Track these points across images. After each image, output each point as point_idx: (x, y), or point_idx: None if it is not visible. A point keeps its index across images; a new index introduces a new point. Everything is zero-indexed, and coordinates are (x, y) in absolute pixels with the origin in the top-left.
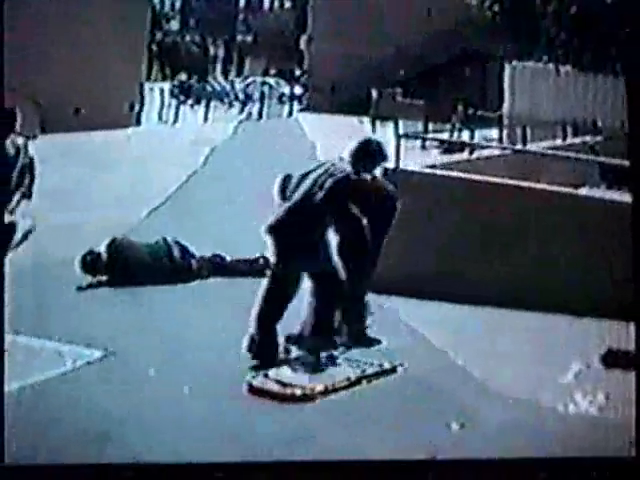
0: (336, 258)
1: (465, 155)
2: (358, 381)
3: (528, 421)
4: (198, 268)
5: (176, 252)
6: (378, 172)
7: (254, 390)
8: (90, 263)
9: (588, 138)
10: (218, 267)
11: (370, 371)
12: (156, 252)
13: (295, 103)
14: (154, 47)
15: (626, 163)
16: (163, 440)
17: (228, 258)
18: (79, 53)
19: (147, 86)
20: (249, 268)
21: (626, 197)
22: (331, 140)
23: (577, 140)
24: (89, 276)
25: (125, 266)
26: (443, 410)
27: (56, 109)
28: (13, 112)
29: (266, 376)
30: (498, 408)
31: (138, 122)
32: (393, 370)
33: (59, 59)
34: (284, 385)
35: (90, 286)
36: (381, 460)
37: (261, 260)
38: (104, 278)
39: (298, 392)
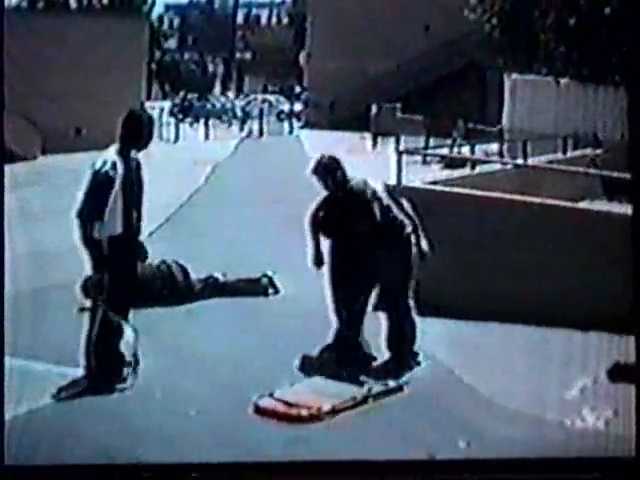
0: None
1: (467, 170)
2: (364, 400)
3: (535, 437)
4: (200, 289)
5: (177, 273)
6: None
7: (260, 411)
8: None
9: (589, 151)
10: (219, 287)
11: (376, 390)
12: (157, 274)
13: (295, 120)
14: (153, 66)
15: (627, 176)
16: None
17: (221, 279)
18: (78, 74)
19: (147, 105)
20: (252, 288)
21: (627, 209)
22: None
23: (578, 153)
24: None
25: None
26: (450, 427)
27: (57, 130)
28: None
29: (271, 396)
30: (505, 424)
31: None
32: (399, 389)
33: (58, 80)
34: (290, 405)
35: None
36: (381, 460)
37: (264, 279)
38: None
39: (304, 412)
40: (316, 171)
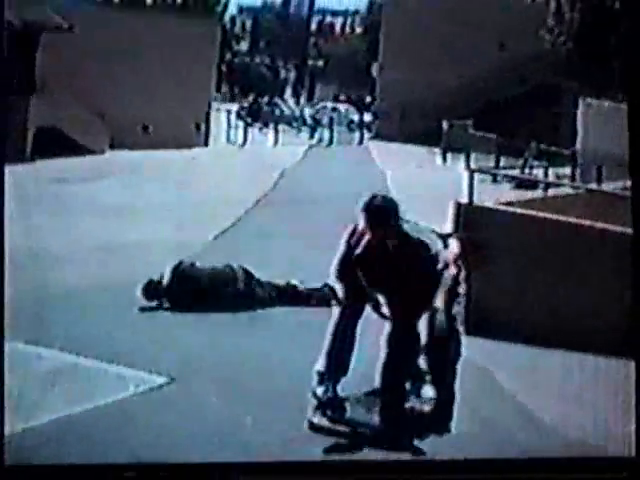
0: None
1: (540, 192)
2: None
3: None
4: (263, 296)
5: (241, 279)
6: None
7: (315, 427)
8: (152, 292)
9: None
10: (284, 295)
11: None
12: (221, 278)
13: (365, 130)
14: (223, 68)
15: None
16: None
17: (299, 287)
18: (149, 72)
19: (215, 106)
20: (315, 297)
21: None
22: (401, 169)
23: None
24: (151, 302)
25: (187, 291)
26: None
27: (125, 126)
28: None
29: (325, 414)
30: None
31: (206, 143)
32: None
33: (129, 77)
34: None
35: (153, 308)
36: (381, 460)
37: (326, 289)
38: (167, 302)
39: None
40: (367, 210)
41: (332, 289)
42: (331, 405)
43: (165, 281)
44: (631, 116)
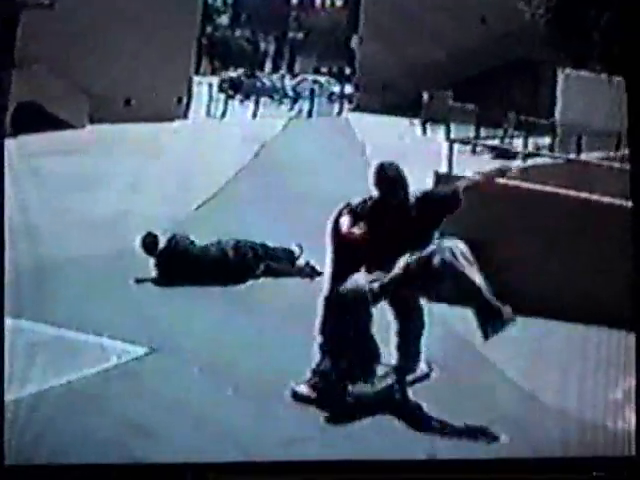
0: None
1: (518, 162)
2: None
3: (575, 436)
4: (253, 270)
5: (232, 255)
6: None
7: (298, 397)
8: (149, 244)
9: None
10: (271, 269)
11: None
12: (212, 254)
13: (345, 102)
14: (204, 41)
15: None
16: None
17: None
18: (129, 44)
19: (196, 80)
20: (297, 271)
21: None
22: (381, 140)
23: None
24: (148, 255)
25: (181, 263)
26: (492, 422)
27: (106, 100)
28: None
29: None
30: (547, 421)
31: (186, 115)
32: (427, 376)
33: (109, 49)
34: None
35: (138, 280)
36: (381, 460)
37: (307, 268)
38: (155, 272)
39: None
40: (380, 182)
41: (313, 268)
42: (320, 375)
43: (160, 246)
44: (630, 91)
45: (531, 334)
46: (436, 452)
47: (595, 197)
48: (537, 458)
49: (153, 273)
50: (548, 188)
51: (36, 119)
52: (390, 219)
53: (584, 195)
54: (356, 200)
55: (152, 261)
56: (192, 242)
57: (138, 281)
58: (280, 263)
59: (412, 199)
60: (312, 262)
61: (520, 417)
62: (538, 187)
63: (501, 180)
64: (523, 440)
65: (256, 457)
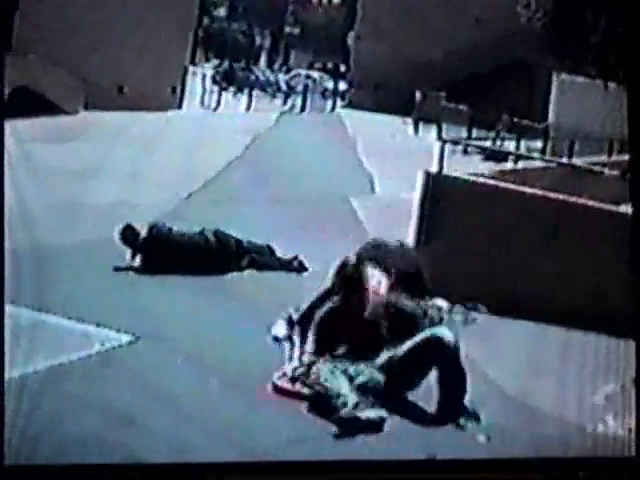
0: None
1: (509, 164)
2: None
3: (556, 438)
4: (236, 262)
5: (213, 244)
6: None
7: (279, 390)
8: (129, 236)
9: None
10: (255, 261)
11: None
12: (195, 242)
13: (338, 99)
14: (200, 32)
15: None
16: (175, 437)
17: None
18: (126, 33)
19: (190, 70)
20: (285, 265)
21: None
22: (372, 138)
23: (624, 157)
24: (127, 248)
25: (161, 251)
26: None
27: (100, 86)
28: None
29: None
30: (526, 423)
31: (180, 106)
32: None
33: (106, 37)
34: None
35: (122, 268)
36: (381, 460)
37: (295, 262)
38: (138, 262)
39: None
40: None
41: (300, 262)
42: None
43: (141, 236)
44: (631, 99)
45: (526, 339)
46: (436, 452)
47: (589, 202)
48: (536, 458)
49: (136, 262)
50: (541, 192)
51: (30, 104)
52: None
53: (578, 200)
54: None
55: (129, 252)
56: (170, 229)
57: (117, 269)
58: (263, 257)
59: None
60: (300, 257)
61: (510, 423)
62: (531, 190)
63: (494, 182)
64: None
65: (247, 454)
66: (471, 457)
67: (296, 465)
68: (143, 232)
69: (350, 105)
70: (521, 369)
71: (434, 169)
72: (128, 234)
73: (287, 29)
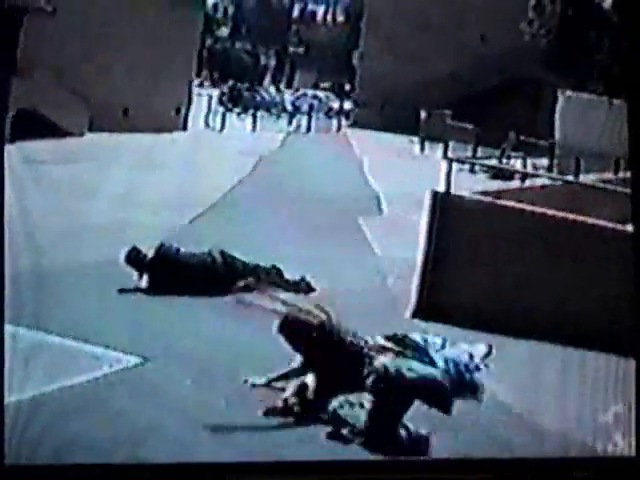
0: None
1: (516, 183)
2: None
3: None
4: (241, 282)
5: (220, 265)
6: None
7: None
8: (134, 259)
9: None
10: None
11: None
12: (202, 263)
13: (343, 118)
14: (204, 53)
15: None
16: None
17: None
18: (130, 55)
19: (195, 91)
20: (292, 287)
21: None
22: (378, 157)
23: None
24: (133, 270)
25: (168, 272)
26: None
27: (105, 109)
28: None
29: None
30: (536, 442)
31: (185, 127)
32: None
33: (111, 60)
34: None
35: (129, 290)
36: (381, 460)
37: (302, 283)
38: (145, 281)
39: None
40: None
41: (308, 284)
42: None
43: (148, 257)
44: (631, 113)
45: (529, 357)
46: (436, 452)
47: (595, 221)
48: (537, 458)
49: (143, 283)
50: (547, 210)
51: (35, 126)
52: None
53: (584, 218)
54: None
55: (136, 274)
56: (178, 250)
57: (124, 291)
58: (271, 277)
59: None
60: (308, 277)
61: (513, 440)
62: (537, 209)
63: (501, 202)
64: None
65: (258, 458)
66: (471, 457)
67: (296, 465)
68: (150, 253)
69: (356, 124)
70: (527, 387)
71: (441, 188)
72: (134, 256)
73: (291, 48)
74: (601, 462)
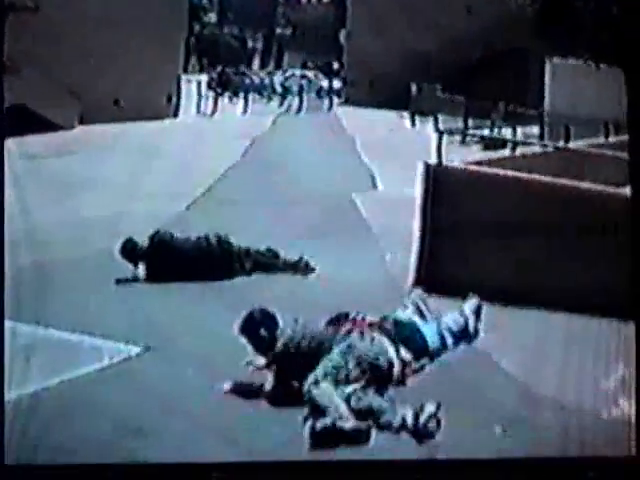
0: None
1: (507, 152)
2: None
3: (571, 425)
4: (240, 266)
5: (215, 248)
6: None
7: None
8: (129, 250)
9: None
10: (262, 264)
11: None
12: (197, 248)
13: (334, 97)
14: (192, 39)
15: None
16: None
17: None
18: (117, 45)
19: (184, 78)
20: (292, 267)
21: None
22: (370, 134)
23: (620, 138)
24: (127, 262)
25: (164, 260)
26: (486, 413)
27: (95, 100)
28: None
29: None
30: (541, 412)
31: (176, 114)
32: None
33: (98, 50)
34: None
35: (127, 280)
36: (381, 460)
37: (301, 263)
38: (142, 271)
39: None
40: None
41: (307, 264)
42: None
43: (144, 247)
44: (629, 79)
45: (529, 325)
46: (436, 452)
47: (590, 185)
48: (536, 458)
49: (140, 273)
50: (542, 177)
51: (25, 121)
52: None
53: (578, 184)
54: None
55: (131, 265)
56: (172, 236)
57: (121, 281)
58: (268, 259)
59: None
60: (306, 257)
61: (517, 410)
62: (531, 176)
63: (494, 170)
64: (520, 433)
65: (255, 457)
66: (471, 457)
67: (296, 465)
68: (144, 242)
69: (346, 103)
70: (531, 357)
71: (433, 161)
72: (129, 248)
73: (278, 30)
74: (601, 462)
